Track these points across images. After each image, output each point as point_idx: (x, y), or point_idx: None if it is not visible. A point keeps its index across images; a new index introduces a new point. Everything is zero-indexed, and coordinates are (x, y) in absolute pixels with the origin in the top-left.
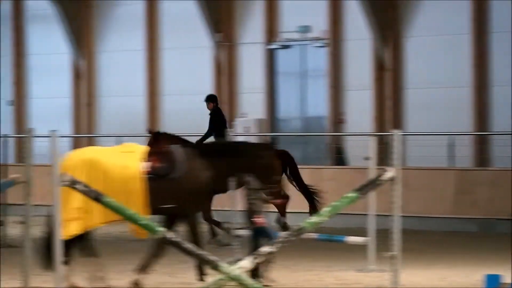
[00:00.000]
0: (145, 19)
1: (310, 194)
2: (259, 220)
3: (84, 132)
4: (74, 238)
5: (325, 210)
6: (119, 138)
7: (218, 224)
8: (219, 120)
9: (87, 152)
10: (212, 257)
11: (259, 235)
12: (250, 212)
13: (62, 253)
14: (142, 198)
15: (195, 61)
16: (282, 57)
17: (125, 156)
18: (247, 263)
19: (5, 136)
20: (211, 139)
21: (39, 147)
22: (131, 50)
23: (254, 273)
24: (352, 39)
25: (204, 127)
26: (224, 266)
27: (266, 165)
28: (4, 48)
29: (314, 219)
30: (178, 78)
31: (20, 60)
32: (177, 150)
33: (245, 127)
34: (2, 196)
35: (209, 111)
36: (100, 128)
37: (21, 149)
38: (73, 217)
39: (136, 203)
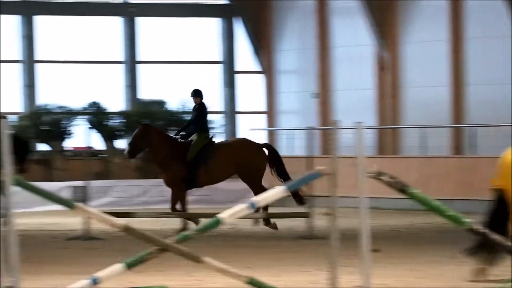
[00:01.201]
0: (449, 9)
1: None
2: None
3: (389, 123)
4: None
5: None
6: (423, 129)
7: None
8: (203, 115)
9: None
10: None
11: None
12: None
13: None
14: None
15: (500, 50)
16: None
17: None
18: None
19: (311, 129)
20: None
21: (344, 139)
22: (435, 40)
23: None
24: None
25: (508, 117)
26: None
27: None
28: (308, 41)
29: None
30: (483, 68)
31: (325, 53)
32: None
33: None
34: (308, 188)
35: (194, 105)
36: (404, 120)
37: (326, 141)
38: None
39: None
